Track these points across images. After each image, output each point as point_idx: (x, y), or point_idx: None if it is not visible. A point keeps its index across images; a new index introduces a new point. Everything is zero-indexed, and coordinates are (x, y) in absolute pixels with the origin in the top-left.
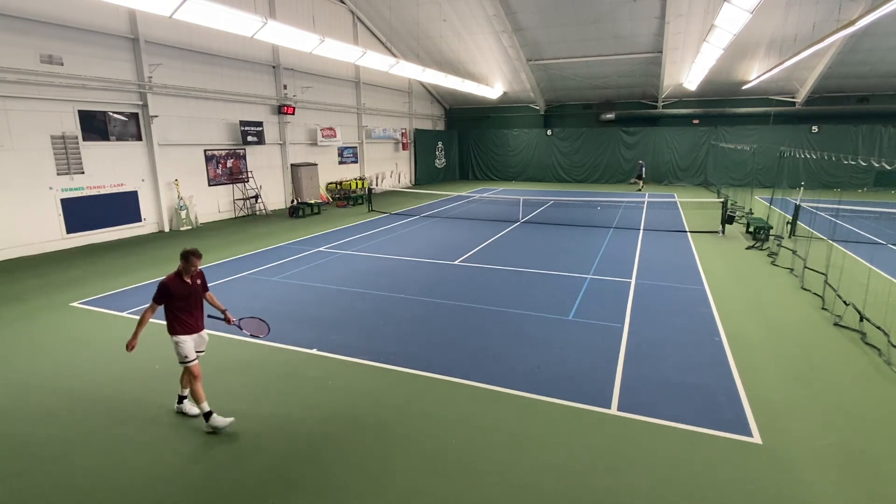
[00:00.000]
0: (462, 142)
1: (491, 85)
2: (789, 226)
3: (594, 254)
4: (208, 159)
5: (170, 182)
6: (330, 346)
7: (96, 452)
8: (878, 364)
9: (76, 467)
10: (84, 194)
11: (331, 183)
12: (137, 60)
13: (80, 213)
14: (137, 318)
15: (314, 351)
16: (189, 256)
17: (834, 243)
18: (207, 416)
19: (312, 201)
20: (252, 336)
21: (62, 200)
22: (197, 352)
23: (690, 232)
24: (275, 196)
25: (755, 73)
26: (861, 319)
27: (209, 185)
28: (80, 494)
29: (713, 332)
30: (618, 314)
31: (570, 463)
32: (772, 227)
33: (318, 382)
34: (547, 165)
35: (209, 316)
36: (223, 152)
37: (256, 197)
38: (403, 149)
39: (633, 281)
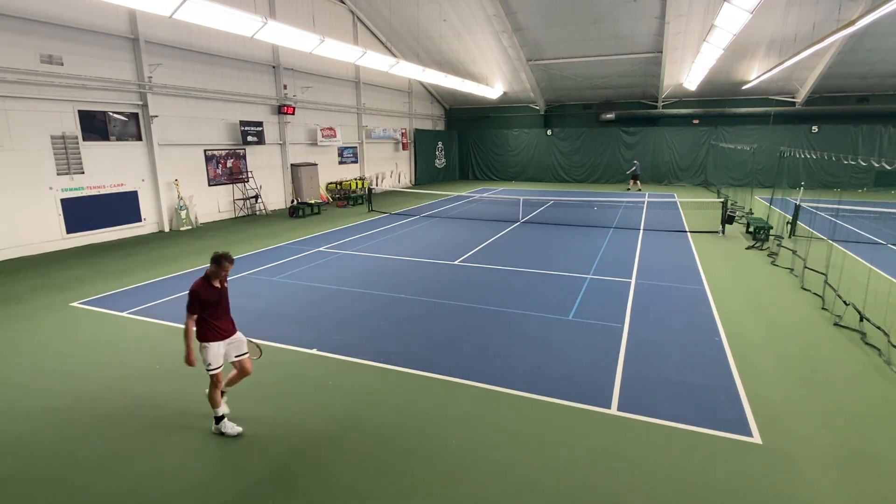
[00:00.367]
0: (462, 142)
1: (491, 85)
2: (789, 226)
3: (594, 254)
4: (208, 159)
5: (170, 182)
6: (330, 346)
7: (96, 452)
8: (878, 364)
9: (76, 467)
10: (84, 194)
11: (331, 183)
12: (137, 60)
13: (80, 213)
14: (137, 318)
15: (314, 351)
16: (221, 261)
17: (834, 243)
18: (219, 419)
19: (312, 201)
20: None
21: (62, 200)
22: (238, 355)
23: (690, 232)
24: (275, 196)
25: (755, 73)
26: (861, 319)
27: (209, 185)
28: (80, 494)
29: (713, 332)
30: (618, 314)
31: (570, 463)
32: (772, 227)
33: (319, 382)
34: (547, 165)
35: None
36: (223, 152)
37: (256, 197)
38: (403, 149)
39: (633, 281)
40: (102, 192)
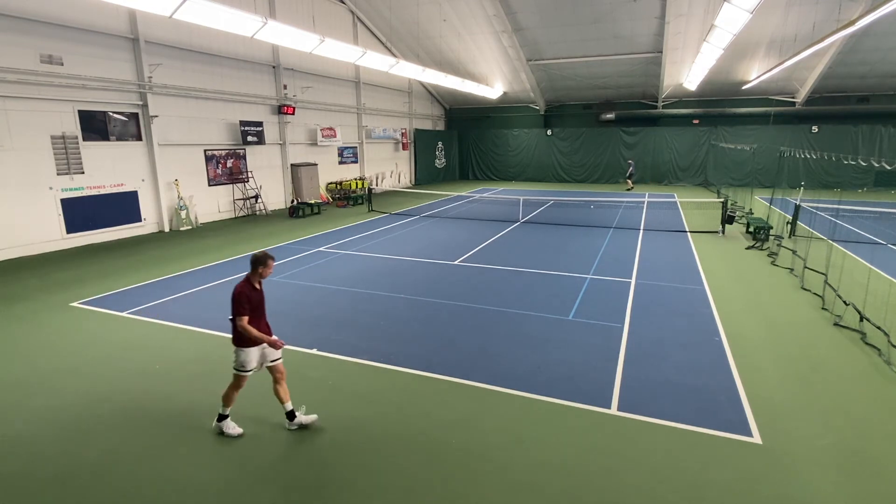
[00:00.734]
0: (462, 142)
1: (491, 85)
2: (789, 226)
3: (594, 254)
4: (208, 159)
5: (170, 182)
6: (330, 346)
7: (96, 452)
8: (878, 364)
9: (77, 467)
10: (84, 194)
11: (331, 183)
12: (137, 60)
13: (80, 213)
14: (137, 318)
15: (314, 351)
16: (266, 260)
17: (834, 243)
18: (222, 417)
19: (312, 201)
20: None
21: (62, 200)
22: (273, 360)
23: (690, 232)
24: (275, 196)
25: (755, 73)
26: (861, 319)
27: (209, 185)
28: (80, 494)
29: (713, 332)
30: (618, 314)
31: (570, 463)
32: (772, 227)
33: (319, 382)
34: (547, 165)
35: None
36: (223, 152)
37: (256, 197)
38: (403, 149)
39: (633, 281)
40: (102, 192)
